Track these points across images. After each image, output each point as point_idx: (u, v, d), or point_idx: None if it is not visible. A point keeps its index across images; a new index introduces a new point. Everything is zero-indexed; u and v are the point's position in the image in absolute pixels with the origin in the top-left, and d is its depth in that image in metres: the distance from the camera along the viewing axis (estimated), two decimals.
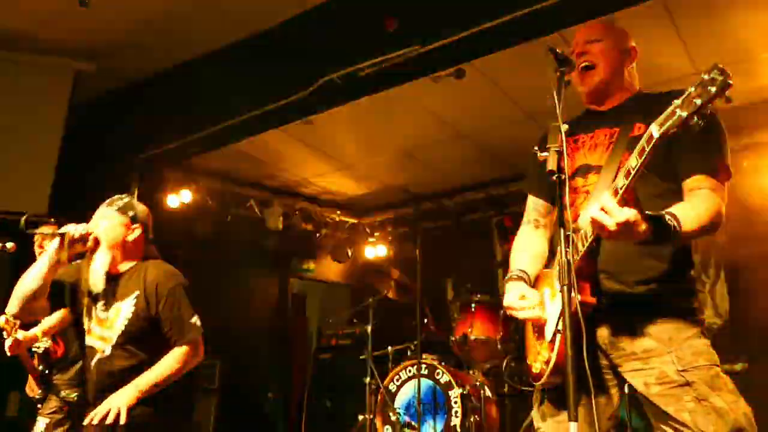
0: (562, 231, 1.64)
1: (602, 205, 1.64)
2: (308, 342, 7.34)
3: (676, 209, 1.78)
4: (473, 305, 4.86)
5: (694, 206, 1.83)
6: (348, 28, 4.68)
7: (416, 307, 4.59)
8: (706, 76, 1.47)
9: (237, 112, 5.04)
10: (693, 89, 1.49)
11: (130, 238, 2.78)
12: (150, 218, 2.91)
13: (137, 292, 2.71)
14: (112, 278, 2.77)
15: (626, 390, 2.03)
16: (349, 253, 7.65)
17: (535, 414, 2.11)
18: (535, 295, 2.03)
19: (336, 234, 7.62)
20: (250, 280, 7.04)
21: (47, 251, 2.67)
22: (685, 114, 1.50)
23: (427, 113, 5.30)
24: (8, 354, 3.34)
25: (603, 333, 1.97)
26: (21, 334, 3.34)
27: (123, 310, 2.70)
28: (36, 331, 3.47)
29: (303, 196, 7.21)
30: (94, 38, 5.10)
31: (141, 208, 2.87)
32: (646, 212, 1.68)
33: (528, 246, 2.26)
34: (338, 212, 7.52)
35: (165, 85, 5.62)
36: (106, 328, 2.72)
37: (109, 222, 2.77)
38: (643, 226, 1.66)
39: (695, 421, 1.76)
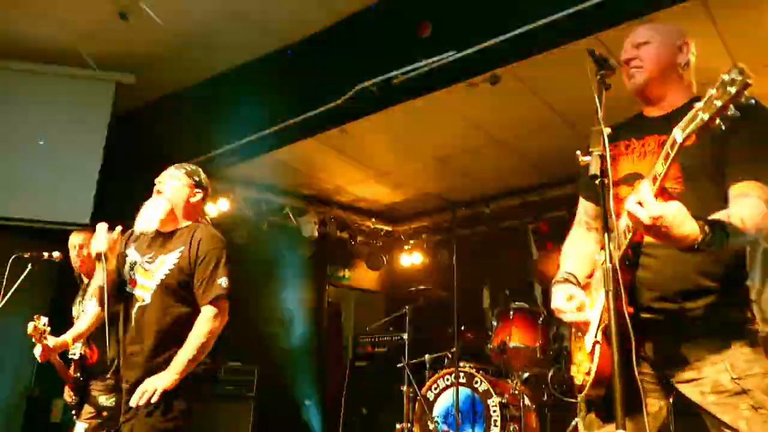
0: (606, 236, 1.60)
1: (639, 198, 1.60)
2: (344, 350, 7.34)
3: (721, 215, 1.71)
4: (511, 313, 4.80)
5: (739, 212, 1.74)
6: (381, 35, 4.69)
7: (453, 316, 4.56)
8: (726, 77, 1.45)
9: (272, 122, 5.09)
10: (714, 91, 1.47)
11: (193, 200, 2.97)
12: (209, 189, 3.11)
13: (182, 248, 2.84)
14: (167, 235, 2.92)
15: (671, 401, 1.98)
16: (385, 261, 7.64)
17: (580, 424, 2.06)
18: (583, 294, 1.98)
19: (371, 242, 7.63)
20: (286, 288, 7.09)
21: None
22: (706, 116, 1.47)
23: (462, 120, 5.28)
24: (39, 361, 3.34)
25: (652, 344, 1.92)
26: (51, 341, 3.30)
27: (166, 263, 2.83)
28: (66, 337, 3.42)
29: (338, 204, 7.24)
30: (134, 51, 5.22)
31: (205, 177, 3.07)
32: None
33: (577, 247, 2.20)
34: (373, 220, 7.53)
35: (202, 96, 5.71)
36: (148, 278, 2.84)
37: (176, 181, 2.97)
38: (684, 229, 1.59)
39: (752, 429, 1.72)
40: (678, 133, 1.54)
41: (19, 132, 5.14)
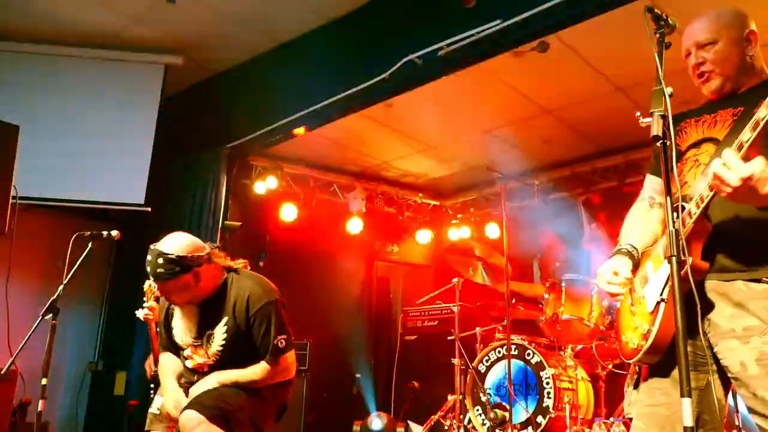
0: (668, 199, 1.55)
1: (725, 160, 1.54)
2: (394, 323, 7.39)
3: None
4: (563, 284, 4.74)
5: None
6: (427, 7, 4.63)
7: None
8: None
9: (318, 98, 5.10)
10: None
11: (200, 284, 2.74)
12: (193, 244, 2.75)
13: (226, 318, 2.80)
14: (204, 306, 2.83)
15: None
16: (433, 236, 7.63)
17: (629, 393, 2.00)
18: (628, 274, 1.92)
19: (419, 216, 7.62)
20: (335, 263, 7.16)
21: None
22: None
23: (510, 90, 5.18)
24: (142, 318, 3.55)
25: (704, 310, 1.82)
26: (155, 304, 3.52)
27: (216, 336, 2.82)
28: None
29: (385, 180, 7.24)
30: (181, 33, 5.29)
31: (178, 253, 2.66)
32: None
33: (640, 221, 2.12)
34: (420, 195, 7.50)
35: (248, 75, 5.77)
36: (201, 355, 2.86)
37: (173, 289, 2.71)
38: None
39: None
40: None
41: (74, 116, 5.30)
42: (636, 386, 1.97)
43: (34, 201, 5.05)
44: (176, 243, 2.69)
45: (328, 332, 6.50)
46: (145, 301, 3.54)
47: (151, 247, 2.67)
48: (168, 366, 3.01)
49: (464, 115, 5.71)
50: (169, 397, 2.85)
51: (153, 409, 3.28)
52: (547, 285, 4.89)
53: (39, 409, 3.00)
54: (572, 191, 6.64)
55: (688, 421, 1.42)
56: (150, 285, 3.49)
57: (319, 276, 6.82)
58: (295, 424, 5.85)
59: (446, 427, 4.78)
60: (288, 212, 6.44)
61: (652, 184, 2.17)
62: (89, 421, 6.09)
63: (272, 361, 2.78)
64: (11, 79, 5.28)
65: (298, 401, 5.93)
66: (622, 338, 1.99)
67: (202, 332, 2.83)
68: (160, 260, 2.62)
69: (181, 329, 2.86)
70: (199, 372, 2.88)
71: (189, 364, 2.91)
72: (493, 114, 5.67)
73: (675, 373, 1.70)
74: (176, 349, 2.98)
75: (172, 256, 2.63)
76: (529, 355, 4.55)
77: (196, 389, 2.75)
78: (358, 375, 6.87)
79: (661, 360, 1.82)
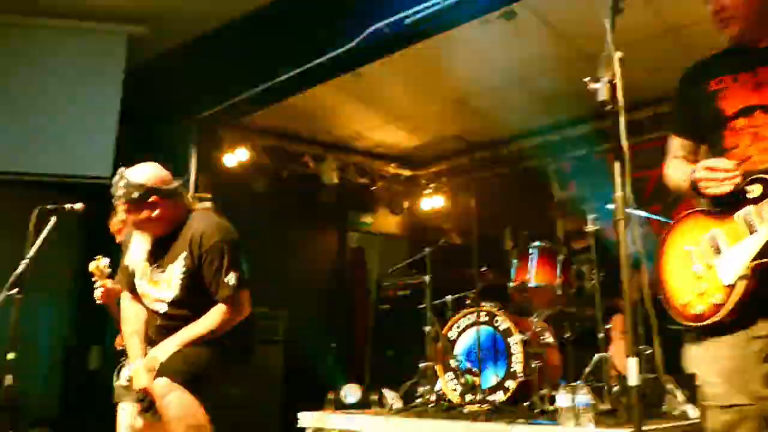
0: (617, 165, 1.58)
1: None
2: (368, 293, 7.44)
3: None
4: (531, 251, 4.79)
5: None
6: None
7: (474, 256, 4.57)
8: None
9: (287, 68, 5.05)
10: None
11: (155, 214, 2.80)
12: (160, 176, 2.85)
13: (184, 253, 2.79)
14: (161, 242, 2.87)
15: None
16: (406, 206, 7.66)
17: (694, 348, 1.94)
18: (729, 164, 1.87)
19: (392, 187, 7.63)
20: (308, 234, 7.16)
21: None
22: None
23: (477, 59, 5.16)
24: (98, 302, 3.50)
25: None
26: (110, 283, 3.44)
27: (175, 271, 2.81)
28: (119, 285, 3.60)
29: (357, 150, 7.22)
30: (144, 2, 5.17)
31: (140, 180, 2.78)
32: None
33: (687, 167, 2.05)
34: (393, 165, 7.51)
35: (216, 45, 5.67)
36: (162, 290, 2.85)
37: (130, 215, 2.81)
38: None
39: None
40: None
41: (36, 87, 5.18)
42: (698, 339, 1.94)
43: None
44: (144, 170, 2.84)
45: (303, 303, 6.53)
46: (95, 281, 3.48)
47: (120, 169, 2.84)
48: (132, 324, 3.00)
49: (434, 84, 5.70)
50: (137, 370, 2.84)
51: (121, 381, 3.27)
52: (516, 252, 4.95)
53: (6, 383, 3.00)
54: (543, 159, 6.70)
55: (634, 381, 1.47)
56: (96, 265, 3.44)
57: (293, 247, 6.82)
58: (272, 394, 5.91)
59: (418, 393, 4.85)
60: (259, 184, 6.41)
61: (681, 144, 2.16)
62: (64, 396, 6.08)
63: (225, 298, 2.76)
64: None
65: (274, 371, 5.98)
66: (679, 299, 1.95)
67: (160, 265, 2.85)
68: (122, 182, 2.78)
69: (137, 260, 2.90)
70: (161, 315, 2.87)
71: (147, 302, 2.91)
72: (462, 83, 5.65)
73: (738, 328, 1.81)
74: (135, 289, 2.99)
75: (133, 181, 2.76)
76: (497, 321, 4.61)
77: (158, 353, 2.73)
78: (333, 345, 6.93)
79: None
